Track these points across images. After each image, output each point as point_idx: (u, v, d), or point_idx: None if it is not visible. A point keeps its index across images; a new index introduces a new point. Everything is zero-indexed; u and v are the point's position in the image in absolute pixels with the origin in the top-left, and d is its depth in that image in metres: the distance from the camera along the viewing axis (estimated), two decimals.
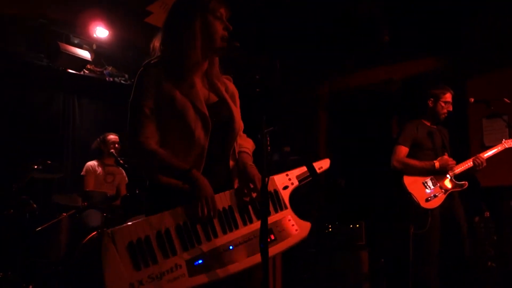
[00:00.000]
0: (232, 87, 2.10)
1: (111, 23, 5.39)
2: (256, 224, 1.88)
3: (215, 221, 1.82)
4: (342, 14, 5.43)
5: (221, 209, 1.87)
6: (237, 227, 1.87)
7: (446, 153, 3.88)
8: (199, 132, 1.85)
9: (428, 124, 3.99)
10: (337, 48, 6.04)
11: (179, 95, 1.85)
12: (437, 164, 3.72)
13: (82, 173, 4.95)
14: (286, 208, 2.04)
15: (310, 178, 2.17)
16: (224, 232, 1.83)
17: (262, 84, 1.77)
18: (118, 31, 5.51)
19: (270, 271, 4.70)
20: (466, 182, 3.78)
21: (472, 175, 4.83)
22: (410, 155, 3.89)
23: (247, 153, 2.08)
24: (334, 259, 5.04)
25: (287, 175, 2.12)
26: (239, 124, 2.02)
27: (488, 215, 5.04)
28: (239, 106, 2.07)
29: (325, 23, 5.61)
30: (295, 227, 1.99)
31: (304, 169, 2.17)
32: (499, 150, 3.80)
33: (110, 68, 6.06)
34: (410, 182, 3.76)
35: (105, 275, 1.59)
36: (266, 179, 1.73)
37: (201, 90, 1.95)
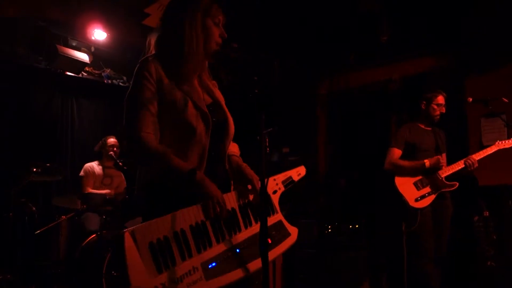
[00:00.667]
0: (219, 92, 2.09)
1: (109, 25, 5.40)
2: (256, 227, 1.89)
3: (222, 223, 1.80)
4: (342, 12, 5.43)
5: (230, 210, 1.86)
6: (240, 230, 1.86)
7: (439, 154, 3.95)
8: (201, 130, 1.82)
9: (422, 126, 4.09)
10: (336, 47, 6.04)
11: (179, 92, 1.83)
12: (427, 163, 3.80)
13: (80, 174, 4.95)
14: (277, 212, 2.05)
15: (292, 184, 2.18)
16: (231, 235, 1.82)
17: (261, 85, 1.77)
18: (116, 33, 5.52)
19: (270, 271, 4.70)
20: (457, 183, 3.85)
21: (471, 175, 4.86)
22: (404, 156, 3.98)
23: (237, 156, 2.07)
24: (334, 259, 5.04)
25: (274, 179, 2.11)
26: (233, 126, 2.00)
27: (487, 215, 5.04)
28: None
29: (325, 22, 5.62)
30: (286, 231, 2.02)
31: (287, 174, 2.17)
32: (492, 151, 3.83)
33: (108, 71, 6.06)
34: (401, 183, 3.88)
35: (130, 277, 1.51)
36: (266, 179, 1.72)
37: (199, 90, 1.94)
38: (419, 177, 3.89)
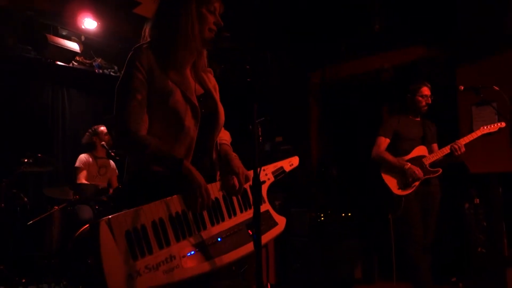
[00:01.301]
0: (213, 80, 2.09)
1: (99, 14, 5.33)
2: (240, 217, 1.93)
3: (205, 213, 1.82)
4: (334, 1, 5.42)
5: (213, 199, 1.87)
6: (223, 219, 1.88)
7: (426, 145, 4.02)
8: (189, 122, 1.83)
9: (411, 117, 4.13)
10: (328, 36, 6.04)
11: (170, 82, 1.82)
12: (407, 167, 3.87)
13: (76, 165, 4.90)
14: (264, 202, 2.07)
15: (283, 175, 2.20)
16: (213, 224, 1.84)
17: (253, 74, 1.76)
18: (107, 22, 5.46)
19: (264, 259, 4.73)
20: (440, 169, 3.90)
21: (460, 162, 4.91)
22: (391, 144, 4.05)
23: (227, 144, 2.07)
24: (326, 248, 5.08)
25: (263, 170, 2.13)
26: (223, 117, 2.00)
27: (478, 202, 5.11)
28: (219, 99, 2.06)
29: (317, 11, 5.60)
30: (273, 221, 2.05)
31: (278, 165, 2.19)
32: (477, 135, 3.89)
33: (99, 60, 6.00)
34: (386, 171, 3.97)
35: (103, 264, 1.54)
36: (258, 169, 1.73)
37: (191, 80, 1.93)
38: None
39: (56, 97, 5.85)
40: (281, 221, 2.07)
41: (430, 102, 4.06)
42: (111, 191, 4.58)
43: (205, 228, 1.81)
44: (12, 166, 4.43)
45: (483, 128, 3.93)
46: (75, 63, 5.76)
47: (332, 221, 5.32)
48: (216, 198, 1.90)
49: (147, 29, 1.94)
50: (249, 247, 1.86)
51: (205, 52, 2.01)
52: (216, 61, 2.05)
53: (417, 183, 3.86)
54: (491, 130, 3.90)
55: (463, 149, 3.83)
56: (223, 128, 2.11)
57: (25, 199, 4.52)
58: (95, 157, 4.98)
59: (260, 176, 2.07)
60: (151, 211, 1.70)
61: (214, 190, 1.90)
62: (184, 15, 1.84)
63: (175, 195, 1.77)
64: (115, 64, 6.11)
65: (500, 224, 5.01)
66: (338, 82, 6.63)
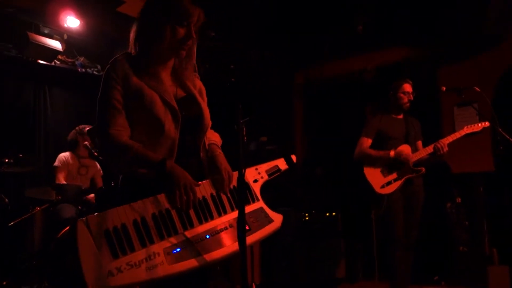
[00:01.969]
0: (199, 83, 2.13)
1: (82, 12, 5.26)
2: (229, 215, 1.94)
3: (192, 211, 1.84)
4: (318, 2, 5.44)
5: (201, 198, 1.90)
6: (212, 217, 1.90)
7: (409, 143, 4.02)
8: (169, 125, 1.87)
9: (394, 115, 4.16)
10: (312, 37, 6.06)
11: (146, 88, 1.87)
12: (392, 153, 3.89)
13: (55, 164, 4.82)
14: (258, 200, 2.10)
15: (279, 173, 2.24)
16: (200, 222, 1.86)
17: (237, 74, 1.77)
18: (90, 20, 5.39)
19: (248, 259, 4.72)
20: (423, 168, 3.92)
21: (443, 162, 4.96)
22: (375, 145, 4.06)
23: (216, 144, 2.11)
24: (311, 247, 5.11)
25: (256, 169, 2.18)
26: (208, 119, 2.05)
27: (459, 201, 5.18)
28: (206, 102, 2.10)
29: (301, 12, 5.61)
30: (268, 218, 2.06)
31: (272, 163, 2.24)
32: (460, 135, 3.92)
33: (82, 59, 5.94)
34: (369, 171, 3.99)
35: (82, 263, 1.57)
36: (243, 169, 1.76)
37: (169, 85, 1.98)
38: (386, 165, 3.96)
39: (38, 96, 5.76)
40: (277, 218, 2.09)
41: (412, 98, 4.08)
42: (94, 192, 4.52)
43: (192, 226, 1.83)
44: None
45: (467, 128, 3.96)
46: (57, 62, 5.69)
47: (317, 220, 5.34)
48: (204, 197, 1.92)
49: (131, 35, 1.98)
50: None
51: (194, 52, 2.03)
52: (200, 60, 2.05)
53: (399, 182, 3.88)
54: (475, 130, 3.94)
55: (446, 149, 3.86)
56: (212, 130, 2.16)
57: (6, 200, 4.44)
58: (77, 156, 4.91)
59: (253, 174, 2.15)
60: (132, 210, 1.74)
61: (202, 188, 1.92)
62: (155, 27, 1.89)
63: (160, 194, 1.80)
64: (98, 63, 6.05)
65: (482, 223, 5.09)
66: (322, 82, 6.66)
